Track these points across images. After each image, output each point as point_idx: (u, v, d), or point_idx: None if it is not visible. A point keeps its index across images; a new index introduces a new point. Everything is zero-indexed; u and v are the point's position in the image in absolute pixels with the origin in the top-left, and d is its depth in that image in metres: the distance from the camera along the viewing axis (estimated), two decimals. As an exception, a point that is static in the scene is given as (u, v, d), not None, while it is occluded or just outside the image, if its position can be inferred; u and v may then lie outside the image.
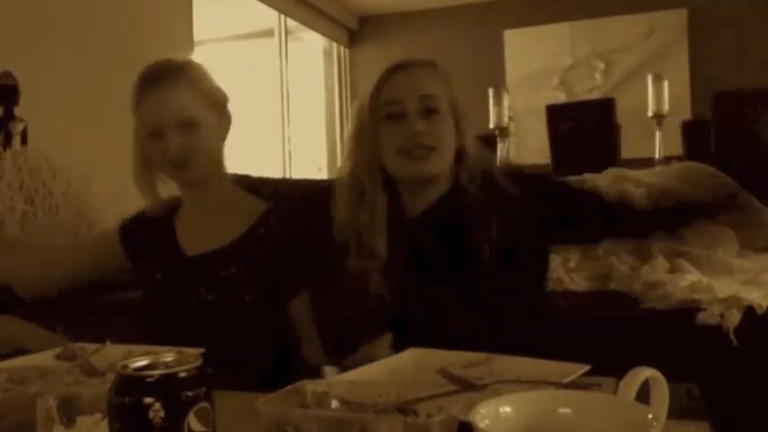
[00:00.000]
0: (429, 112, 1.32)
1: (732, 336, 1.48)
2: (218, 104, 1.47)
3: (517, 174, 1.40)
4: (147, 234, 1.54)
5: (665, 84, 4.40)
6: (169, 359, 0.63)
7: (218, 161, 1.48)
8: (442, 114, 1.33)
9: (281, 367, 1.39)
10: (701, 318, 1.52)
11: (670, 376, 0.70)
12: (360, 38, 7.11)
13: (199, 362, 0.63)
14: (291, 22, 6.18)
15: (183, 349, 1.04)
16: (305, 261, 1.44)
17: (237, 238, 1.44)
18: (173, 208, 1.54)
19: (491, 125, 4.52)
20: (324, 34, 6.75)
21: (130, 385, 0.60)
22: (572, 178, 1.57)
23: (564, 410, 0.64)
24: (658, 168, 2.27)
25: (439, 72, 1.39)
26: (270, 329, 1.42)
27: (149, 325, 1.49)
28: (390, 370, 1.02)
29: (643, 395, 0.68)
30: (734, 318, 1.50)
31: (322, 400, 0.79)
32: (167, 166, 1.43)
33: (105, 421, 0.63)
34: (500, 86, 4.77)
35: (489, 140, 4.47)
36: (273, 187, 1.58)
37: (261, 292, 1.41)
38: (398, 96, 1.32)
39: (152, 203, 1.52)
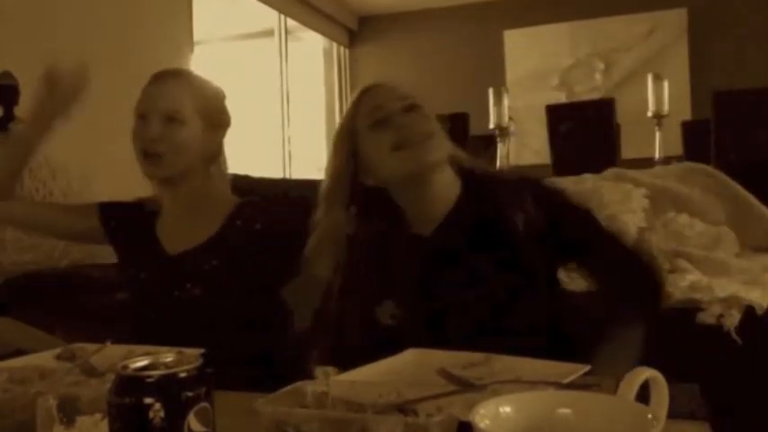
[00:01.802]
0: (410, 108, 1.33)
1: (732, 335, 1.48)
2: (209, 118, 1.50)
3: (525, 181, 1.37)
4: (129, 227, 1.56)
5: (665, 84, 4.40)
6: (169, 359, 0.63)
7: (190, 166, 1.48)
8: (420, 109, 1.34)
9: (268, 360, 1.41)
10: (701, 317, 1.53)
11: (670, 376, 0.70)
12: (360, 38, 7.11)
13: (199, 362, 0.63)
14: (291, 22, 6.18)
15: (183, 349, 1.04)
16: (286, 251, 1.45)
17: (216, 232, 1.48)
18: (153, 211, 1.56)
19: (491, 125, 4.52)
20: (324, 34, 6.75)
21: (130, 385, 0.60)
22: (572, 178, 1.55)
23: (564, 410, 0.64)
24: (658, 168, 2.27)
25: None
26: (256, 320, 1.45)
27: (136, 323, 1.52)
28: (390, 370, 1.02)
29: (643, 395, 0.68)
30: (734, 318, 1.51)
31: (322, 400, 0.79)
32: (139, 154, 1.46)
33: (105, 421, 0.63)
34: (500, 86, 4.77)
35: (489, 140, 4.47)
36: (267, 186, 1.59)
37: (244, 283, 1.45)
38: (379, 103, 1.35)
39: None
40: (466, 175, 1.37)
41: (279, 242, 1.46)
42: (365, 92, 1.39)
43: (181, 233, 1.50)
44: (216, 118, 1.52)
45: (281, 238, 1.46)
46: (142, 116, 1.45)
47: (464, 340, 1.16)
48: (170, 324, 1.43)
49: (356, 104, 1.38)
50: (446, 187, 1.35)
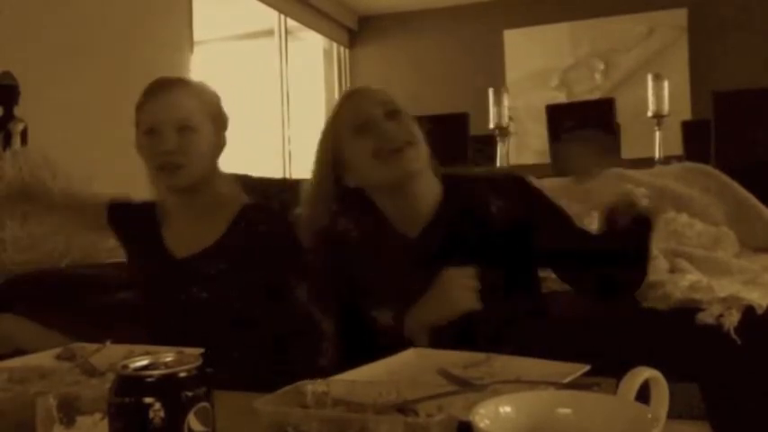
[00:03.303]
0: (392, 114, 1.34)
1: (732, 335, 1.48)
2: (218, 122, 1.50)
3: (508, 180, 1.39)
4: (137, 230, 1.57)
5: (665, 84, 4.39)
6: (169, 359, 0.63)
7: (207, 172, 1.48)
8: (402, 116, 1.36)
9: (278, 362, 1.41)
10: (701, 317, 1.52)
11: (670, 376, 0.70)
12: (360, 38, 7.11)
13: (199, 362, 0.63)
14: (291, 22, 6.18)
15: (183, 349, 1.04)
16: (292, 251, 1.46)
17: (221, 235, 1.47)
18: (156, 217, 1.55)
19: (491, 125, 4.51)
20: (324, 34, 6.75)
21: (130, 385, 0.60)
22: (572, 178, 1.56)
23: (564, 410, 0.64)
24: (658, 168, 2.27)
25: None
26: (265, 323, 1.45)
27: (147, 324, 1.52)
28: (390, 370, 1.02)
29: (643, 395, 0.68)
30: (733, 318, 1.50)
31: (322, 400, 0.79)
32: (156, 168, 1.43)
33: (105, 421, 0.63)
34: (500, 86, 4.76)
35: (489, 141, 4.47)
36: (268, 186, 1.59)
37: (251, 286, 1.45)
38: (362, 110, 1.35)
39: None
40: (447, 177, 1.38)
41: (284, 243, 1.46)
42: (348, 96, 1.41)
43: (188, 237, 1.50)
44: (221, 120, 1.52)
45: (285, 239, 1.46)
46: (152, 130, 1.42)
47: (456, 335, 1.19)
48: (178, 328, 1.43)
49: (339, 108, 1.39)
50: (428, 191, 1.36)
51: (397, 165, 1.31)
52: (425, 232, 1.35)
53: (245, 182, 1.58)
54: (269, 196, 1.53)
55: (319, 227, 1.39)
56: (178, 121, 1.42)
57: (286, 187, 1.63)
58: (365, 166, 1.33)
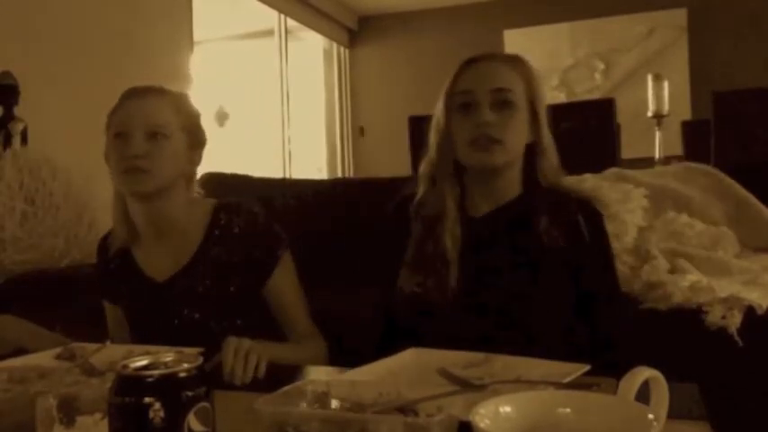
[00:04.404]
0: (502, 104, 1.33)
1: (735, 337, 1.48)
2: (193, 137, 1.47)
3: (578, 198, 1.40)
4: (113, 277, 1.55)
5: (665, 84, 4.39)
6: (169, 359, 0.63)
7: (173, 183, 1.44)
8: (515, 108, 1.34)
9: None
10: (710, 320, 1.52)
11: (670, 376, 0.70)
12: (360, 38, 7.11)
13: (199, 362, 0.63)
14: (291, 22, 6.18)
15: (183, 349, 1.05)
16: (271, 246, 1.46)
17: (197, 249, 1.45)
18: (126, 248, 1.53)
19: (491, 125, 4.51)
20: (324, 34, 6.75)
21: (130, 385, 0.60)
22: (572, 178, 1.56)
23: (564, 410, 0.64)
24: (658, 168, 2.27)
25: (520, 67, 1.39)
26: (259, 329, 1.43)
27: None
28: (390, 370, 1.02)
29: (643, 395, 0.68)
30: (736, 319, 1.50)
31: (322, 400, 0.79)
32: (122, 172, 1.40)
33: (105, 421, 0.63)
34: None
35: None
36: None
37: (240, 292, 1.44)
38: (470, 87, 1.34)
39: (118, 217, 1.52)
40: (530, 179, 1.39)
41: (260, 239, 1.45)
42: (468, 65, 1.38)
43: (164, 256, 1.47)
44: (197, 135, 1.49)
45: (261, 236, 1.45)
46: (121, 134, 1.39)
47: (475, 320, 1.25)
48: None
49: (456, 78, 1.37)
50: (508, 185, 1.38)
51: (481, 158, 1.32)
52: (486, 217, 1.37)
53: (207, 180, 1.55)
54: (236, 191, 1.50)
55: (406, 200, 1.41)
56: (149, 126, 1.39)
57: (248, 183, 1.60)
58: (462, 148, 1.34)
